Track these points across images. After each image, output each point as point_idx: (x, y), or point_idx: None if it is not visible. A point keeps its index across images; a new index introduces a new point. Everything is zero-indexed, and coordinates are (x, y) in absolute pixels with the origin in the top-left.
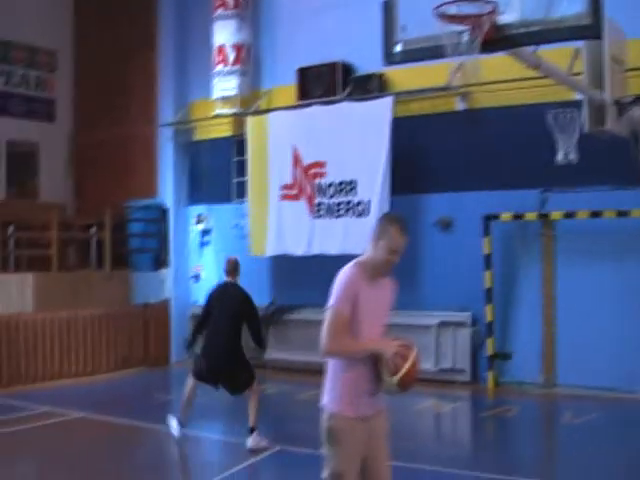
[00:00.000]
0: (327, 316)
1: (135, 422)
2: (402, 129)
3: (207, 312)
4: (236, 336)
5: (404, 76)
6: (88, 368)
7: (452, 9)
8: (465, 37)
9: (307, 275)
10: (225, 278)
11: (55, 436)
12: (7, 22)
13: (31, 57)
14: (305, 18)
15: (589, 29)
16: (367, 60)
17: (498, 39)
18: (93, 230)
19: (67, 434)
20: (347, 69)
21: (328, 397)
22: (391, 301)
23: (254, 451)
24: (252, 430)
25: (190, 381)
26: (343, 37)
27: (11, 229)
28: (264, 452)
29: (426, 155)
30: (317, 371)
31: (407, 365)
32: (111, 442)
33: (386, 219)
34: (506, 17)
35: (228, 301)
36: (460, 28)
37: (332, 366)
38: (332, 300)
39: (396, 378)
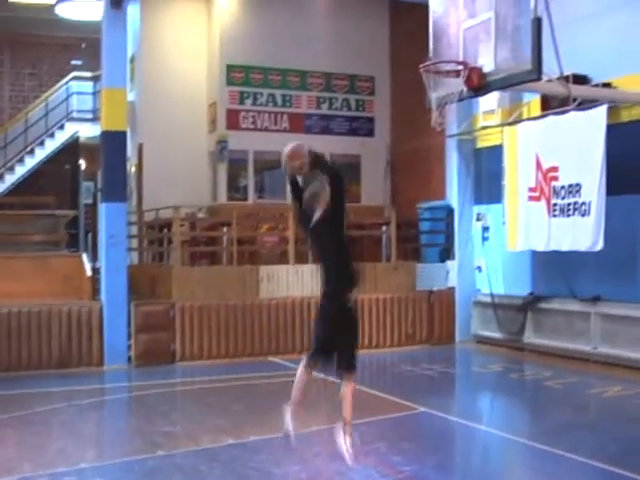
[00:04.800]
0: None
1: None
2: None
3: None
4: None
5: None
6: (373, 343)
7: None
8: None
9: (559, 268)
10: None
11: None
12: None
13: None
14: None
15: None
16: (599, 70)
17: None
18: (384, 228)
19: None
20: (580, 79)
21: None
22: None
23: None
24: None
25: None
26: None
27: None
28: None
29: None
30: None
31: None
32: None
33: None
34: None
35: None
36: None
37: None
38: None
39: None
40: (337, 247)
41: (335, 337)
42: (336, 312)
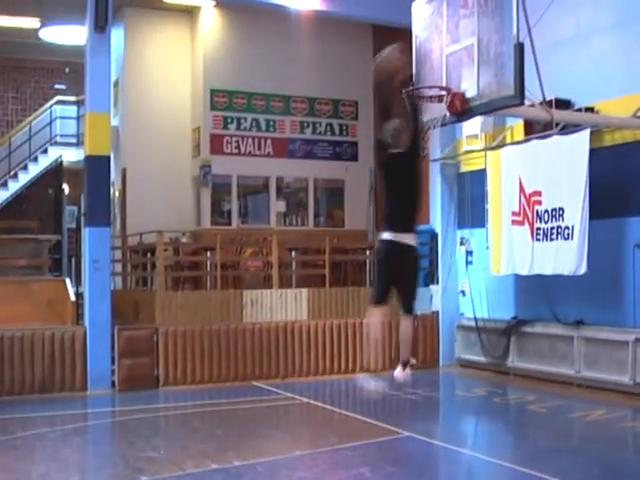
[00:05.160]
0: None
1: (346, 412)
2: (606, 157)
3: None
4: None
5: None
6: (357, 367)
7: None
8: None
9: (542, 292)
10: None
11: (270, 412)
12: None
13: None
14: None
15: None
16: (581, 95)
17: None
18: (367, 253)
19: (281, 411)
20: (563, 104)
21: None
22: None
23: None
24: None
25: None
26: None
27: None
28: None
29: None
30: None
31: None
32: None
33: None
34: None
35: None
36: None
37: None
38: None
39: None
40: (409, 188)
41: (395, 278)
42: (399, 256)
